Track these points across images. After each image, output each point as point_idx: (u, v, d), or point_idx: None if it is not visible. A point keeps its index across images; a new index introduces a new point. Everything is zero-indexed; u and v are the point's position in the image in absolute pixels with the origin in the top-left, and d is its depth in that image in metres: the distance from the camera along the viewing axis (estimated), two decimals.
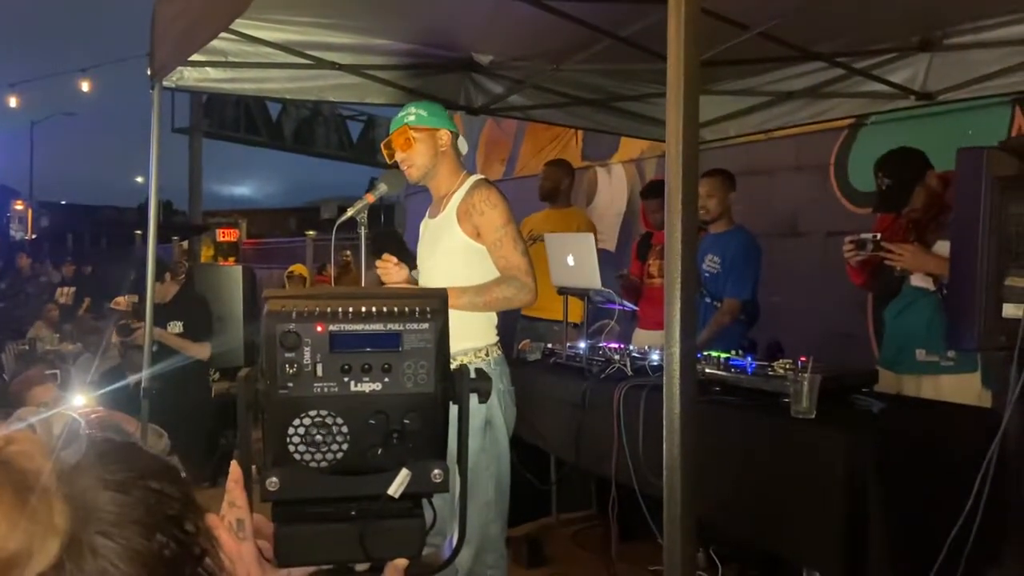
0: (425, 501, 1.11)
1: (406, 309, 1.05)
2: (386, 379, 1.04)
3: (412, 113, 2.77)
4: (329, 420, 1.03)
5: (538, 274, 2.77)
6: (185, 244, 16.12)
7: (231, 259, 17.86)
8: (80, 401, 3.10)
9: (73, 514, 0.68)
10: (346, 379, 1.03)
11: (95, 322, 7.24)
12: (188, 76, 3.64)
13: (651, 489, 2.61)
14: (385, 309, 1.04)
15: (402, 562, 1.07)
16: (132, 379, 4.45)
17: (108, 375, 5.19)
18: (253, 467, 1.08)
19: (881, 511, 2.17)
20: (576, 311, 3.57)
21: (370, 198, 2.77)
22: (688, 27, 1.60)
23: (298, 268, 9.42)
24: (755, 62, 3.94)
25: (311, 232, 14.12)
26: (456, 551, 1.16)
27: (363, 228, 2.76)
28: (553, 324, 4.27)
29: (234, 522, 1.03)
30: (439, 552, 1.17)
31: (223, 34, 3.28)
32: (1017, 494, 2.26)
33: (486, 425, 2.65)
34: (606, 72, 4.28)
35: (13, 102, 21.57)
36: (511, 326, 4.60)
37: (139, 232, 20.52)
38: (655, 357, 3.18)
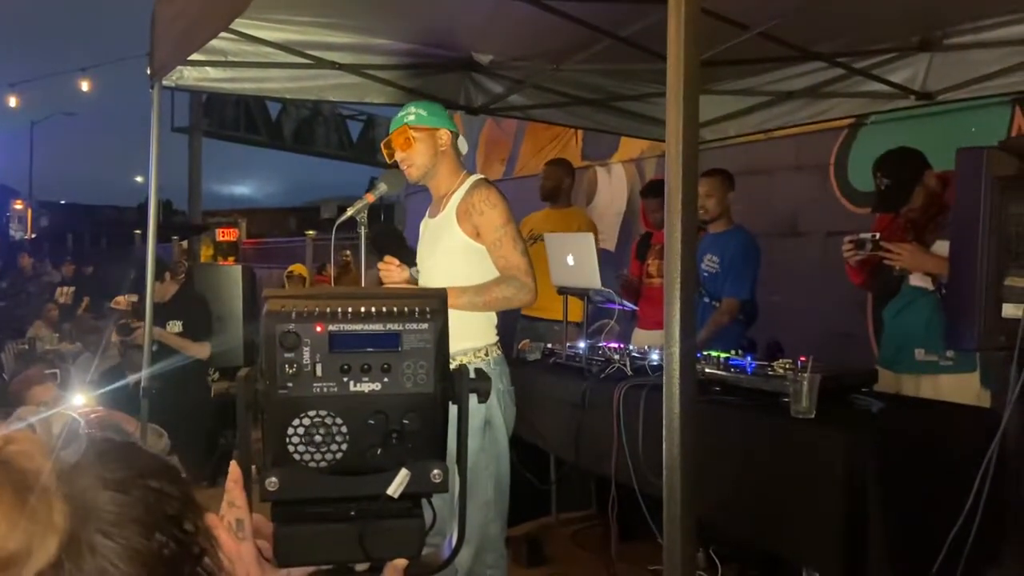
0: (425, 501, 1.11)
1: (405, 309, 1.05)
2: (385, 379, 1.04)
3: (412, 113, 2.77)
4: (328, 420, 1.03)
5: (538, 274, 2.77)
6: (185, 244, 16.11)
7: (231, 259, 17.84)
8: (80, 401, 3.10)
9: (72, 513, 0.68)
10: (345, 379, 1.03)
11: (95, 322, 7.24)
12: (188, 75, 3.64)
13: (651, 489, 2.61)
14: (384, 309, 1.05)
15: (401, 562, 1.08)
16: (132, 379, 4.45)
17: (108, 375, 5.19)
18: (252, 467, 1.08)
19: (880, 511, 2.17)
20: (576, 311, 3.57)
21: (370, 198, 2.77)
22: (688, 27, 1.60)
23: (298, 268, 9.42)
24: (755, 62, 3.94)
25: (311, 232, 14.11)
26: (456, 551, 1.16)
27: (363, 228, 2.76)
28: (553, 324, 4.27)
29: (233, 522, 1.03)
30: (439, 552, 1.17)
31: (223, 34, 3.28)
32: (1017, 494, 2.26)
33: (485, 425, 2.65)
34: (606, 72, 4.28)
35: (13, 102, 21.56)
36: (511, 326, 4.60)
37: (139, 232, 20.53)
38: (655, 357, 3.18)
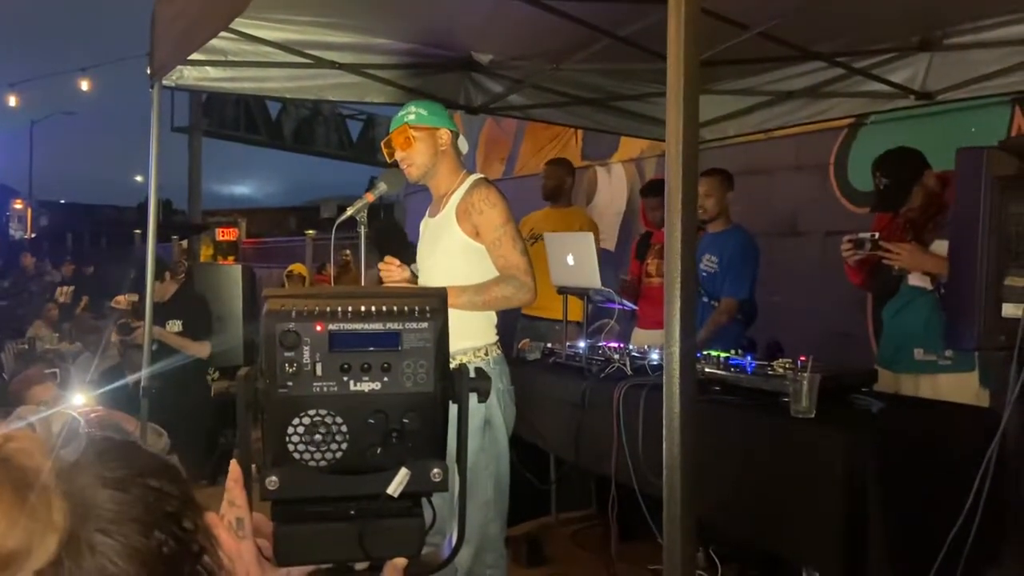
0: (424, 500, 1.11)
1: (405, 308, 1.05)
2: (385, 378, 1.04)
3: (412, 112, 2.77)
4: (328, 419, 1.03)
5: (538, 273, 2.77)
6: (185, 243, 16.11)
7: (231, 258, 17.84)
8: (79, 400, 3.10)
9: (72, 511, 0.68)
10: (345, 378, 1.03)
11: (94, 321, 7.24)
12: (188, 75, 3.64)
13: (651, 489, 2.61)
14: (384, 308, 1.04)
15: (401, 561, 1.07)
16: (131, 378, 4.45)
17: (107, 374, 5.19)
18: (252, 466, 1.08)
19: (880, 510, 2.17)
20: (576, 310, 3.57)
21: (370, 197, 2.77)
22: (688, 27, 1.60)
23: (297, 267, 9.42)
24: (755, 62, 3.94)
25: (311, 231, 14.11)
26: (455, 550, 1.16)
27: (363, 227, 2.76)
28: (553, 323, 4.27)
29: (233, 521, 1.03)
30: (438, 551, 1.17)
31: (223, 33, 3.28)
32: (1017, 494, 2.26)
33: (485, 424, 2.65)
34: (606, 72, 4.28)
35: (13, 101, 21.56)
36: (511, 325, 4.60)
37: (138, 231, 20.52)
38: (655, 356, 3.18)
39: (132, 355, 4.93)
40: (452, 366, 1.09)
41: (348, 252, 7.77)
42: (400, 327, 1.04)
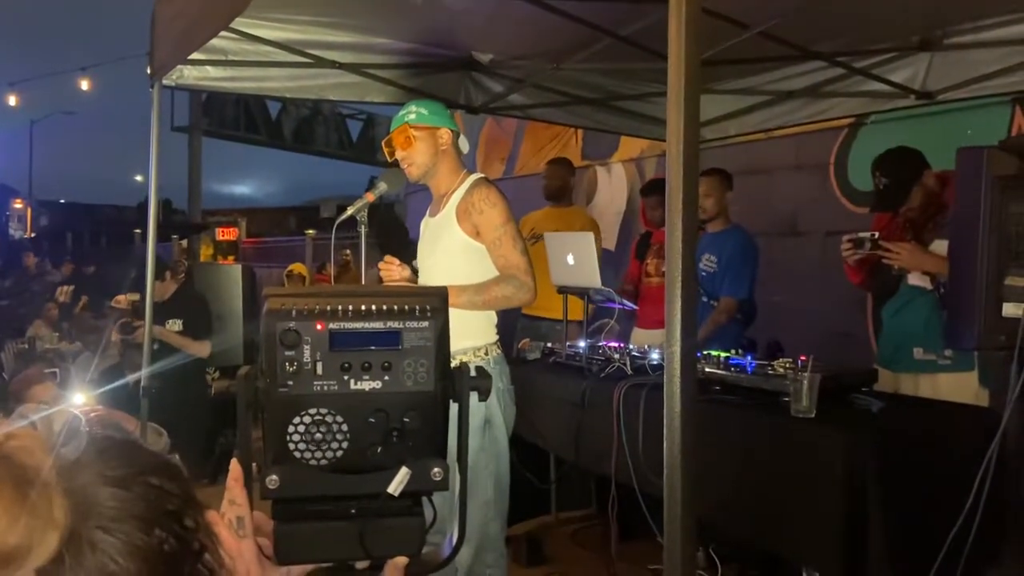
0: (425, 499, 1.11)
1: (406, 307, 1.05)
2: (386, 377, 1.04)
3: (413, 111, 2.77)
4: (329, 418, 1.03)
5: (538, 273, 2.77)
6: (184, 243, 16.10)
7: (230, 258, 17.82)
8: (79, 400, 3.11)
9: (73, 509, 0.68)
10: (346, 377, 1.03)
11: (94, 321, 7.23)
12: (188, 75, 3.64)
13: (651, 488, 2.61)
14: (385, 307, 1.04)
15: (402, 560, 1.07)
16: (131, 378, 4.45)
17: (107, 374, 5.19)
18: (253, 465, 1.08)
19: (880, 510, 2.17)
20: (576, 310, 3.57)
21: (370, 197, 2.76)
22: (689, 26, 1.60)
23: (297, 267, 9.41)
24: (755, 61, 3.94)
25: (311, 231, 14.10)
26: (456, 550, 1.16)
27: (363, 227, 2.76)
28: (554, 323, 4.27)
29: (234, 519, 1.03)
30: (439, 550, 1.17)
31: (223, 33, 3.28)
32: (1017, 494, 2.26)
33: (485, 424, 2.65)
34: (606, 71, 4.28)
35: (13, 101, 21.54)
36: (511, 325, 4.60)
37: (138, 231, 20.52)
38: (655, 356, 3.18)
39: (132, 355, 4.93)
40: (452, 365, 1.09)
41: (348, 252, 7.77)
42: (401, 326, 1.04)
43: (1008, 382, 2.15)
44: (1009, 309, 2.14)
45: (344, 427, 1.03)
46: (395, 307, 1.05)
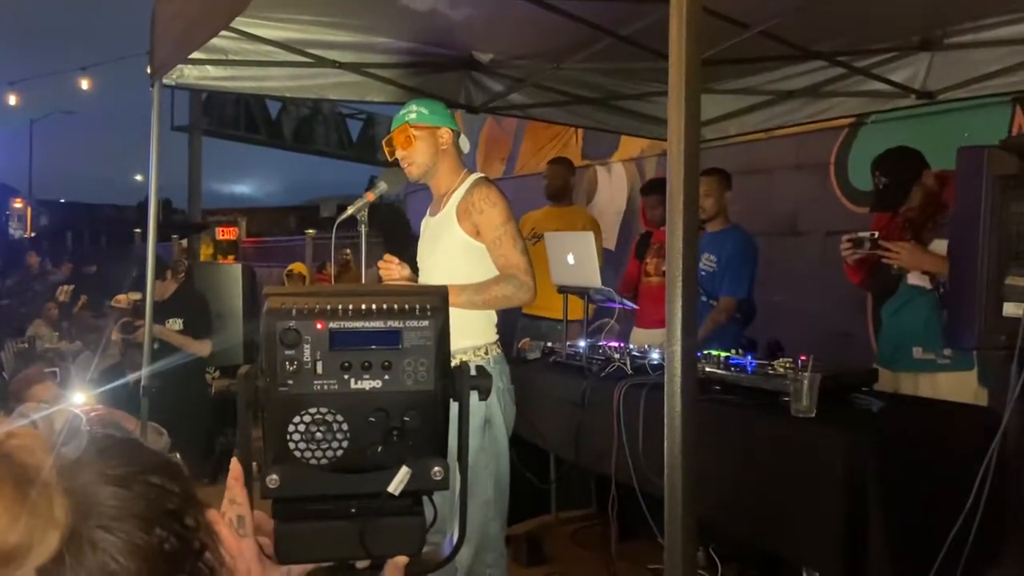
0: (425, 499, 1.11)
1: (406, 306, 1.05)
2: (386, 376, 1.04)
3: (413, 111, 2.77)
4: (329, 417, 1.03)
5: (538, 272, 2.77)
6: (184, 242, 16.10)
7: (230, 257, 17.83)
8: (79, 399, 3.10)
9: (73, 508, 0.68)
10: (346, 376, 1.03)
11: (94, 320, 7.23)
12: (188, 74, 3.64)
13: (651, 488, 2.61)
14: (385, 306, 1.04)
15: (402, 560, 1.07)
16: (131, 377, 4.45)
17: (107, 373, 5.19)
18: (253, 464, 1.08)
19: (880, 510, 2.17)
20: (576, 310, 3.57)
21: (370, 196, 2.76)
22: (690, 26, 1.60)
23: (297, 267, 9.41)
24: (756, 61, 3.94)
25: (311, 231, 14.12)
26: (456, 549, 1.16)
27: (363, 226, 2.76)
28: (554, 323, 4.27)
29: (235, 519, 1.03)
30: (439, 550, 1.17)
31: (223, 32, 3.27)
32: (1017, 494, 2.26)
33: (485, 424, 2.65)
34: (607, 71, 4.28)
35: (13, 100, 21.53)
36: (511, 325, 4.60)
37: (138, 230, 20.52)
38: (655, 356, 3.18)
39: (132, 354, 4.93)
40: (452, 364, 1.09)
41: (348, 251, 7.77)
42: (401, 325, 1.04)
43: (1008, 382, 2.15)
44: (1009, 309, 2.14)
45: (344, 426, 1.03)
46: (395, 306, 1.05)
